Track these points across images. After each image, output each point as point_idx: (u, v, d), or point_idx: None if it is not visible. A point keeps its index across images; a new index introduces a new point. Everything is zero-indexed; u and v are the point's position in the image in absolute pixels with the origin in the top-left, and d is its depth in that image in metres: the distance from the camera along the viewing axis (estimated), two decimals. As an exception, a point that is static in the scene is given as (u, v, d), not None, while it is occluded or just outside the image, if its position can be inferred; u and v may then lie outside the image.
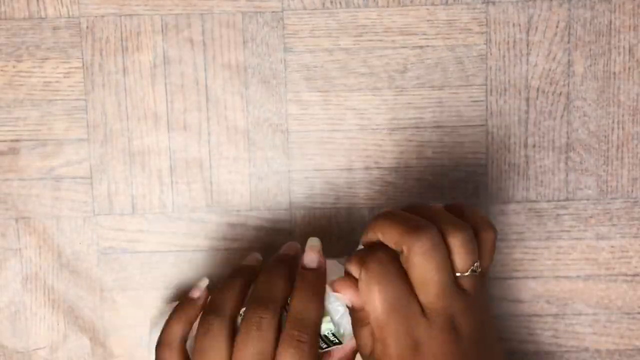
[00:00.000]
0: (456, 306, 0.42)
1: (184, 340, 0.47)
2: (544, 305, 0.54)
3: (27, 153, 0.53)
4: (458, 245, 0.43)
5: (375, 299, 0.42)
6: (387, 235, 0.43)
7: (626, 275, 0.54)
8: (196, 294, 0.48)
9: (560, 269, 0.54)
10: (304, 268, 0.46)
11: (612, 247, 0.53)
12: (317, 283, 0.46)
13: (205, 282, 0.49)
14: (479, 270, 0.43)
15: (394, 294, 0.42)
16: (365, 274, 0.42)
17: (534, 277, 0.54)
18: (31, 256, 0.54)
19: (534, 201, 0.53)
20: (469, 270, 0.43)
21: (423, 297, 0.42)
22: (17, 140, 0.53)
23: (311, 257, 0.47)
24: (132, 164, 0.53)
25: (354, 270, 0.44)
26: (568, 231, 0.53)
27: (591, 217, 0.53)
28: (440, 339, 0.41)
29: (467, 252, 0.43)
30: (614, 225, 0.53)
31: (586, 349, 0.54)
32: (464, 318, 0.42)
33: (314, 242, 0.47)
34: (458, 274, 0.43)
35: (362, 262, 0.43)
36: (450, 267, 0.42)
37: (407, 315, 0.42)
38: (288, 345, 0.44)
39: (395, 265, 0.42)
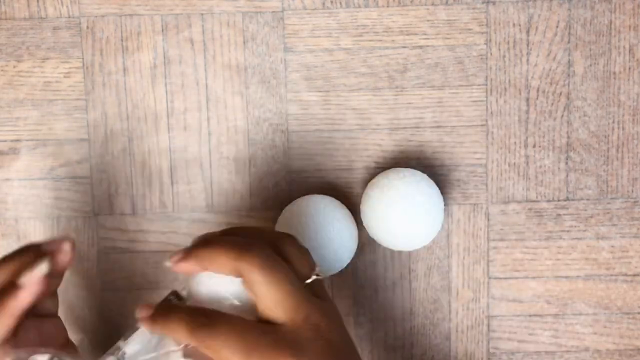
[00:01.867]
0: (316, 314, 0.41)
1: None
2: (544, 305, 0.54)
3: (27, 153, 0.53)
4: (295, 253, 0.42)
5: (223, 348, 0.40)
6: (218, 264, 0.41)
7: (626, 275, 0.54)
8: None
9: (560, 269, 0.54)
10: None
11: (612, 247, 0.53)
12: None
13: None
14: (321, 274, 0.43)
15: (243, 330, 0.40)
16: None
17: (534, 277, 0.54)
18: (31, 256, 0.54)
19: (534, 201, 0.53)
20: (313, 275, 0.42)
21: (279, 315, 0.40)
22: (17, 140, 0.53)
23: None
24: (132, 164, 0.53)
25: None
26: (568, 231, 0.53)
27: (591, 217, 0.53)
28: (315, 350, 0.40)
29: (305, 257, 0.42)
30: (614, 225, 0.53)
31: (586, 349, 0.54)
32: (327, 324, 0.41)
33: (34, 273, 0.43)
34: (306, 282, 0.42)
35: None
36: (294, 277, 0.41)
37: (263, 349, 0.39)
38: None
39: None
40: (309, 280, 0.42)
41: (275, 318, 0.41)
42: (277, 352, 0.39)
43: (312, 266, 0.43)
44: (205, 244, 0.42)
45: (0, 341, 0.42)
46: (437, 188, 0.50)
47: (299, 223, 0.49)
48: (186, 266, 0.42)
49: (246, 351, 0.39)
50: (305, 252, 0.43)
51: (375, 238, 0.51)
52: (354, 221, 0.51)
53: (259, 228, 0.44)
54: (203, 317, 0.41)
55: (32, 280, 0.42)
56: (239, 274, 0.41)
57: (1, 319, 0.42)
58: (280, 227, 0.51)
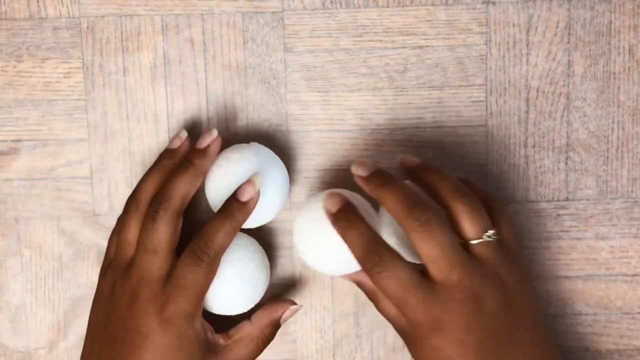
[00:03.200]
0: (474, 276, 0.42)
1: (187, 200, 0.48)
2: (544, 305, 0.54)
3: (27, 153, 0.53)
4: (463, 211, 0.43)
5: (387, 284, 0.43)
6: (388, 208, 0.44)
7: (626, 275, 0.54)
8: (176, 143, 0.50)
9: (560, 269, 0.54)
10: (235, 198, 0.47)
11: (612, 247, 0.53)
12: (239, 216, 0.47)
13: (185, 133, 0.50)
14: (495, 237, 0.43)
15: (404, 275, 0.42)
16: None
17: (534, 277, 0.54)
18: (31, 256, 0.54)
19: (534, 201, 0.53)
20: (483, 237, 0.42)
21: (435, 274, 0.42)
22: (17, 140, 0.53)
23: (246, 191, 0.47)
24: (132, 164, 0.53)
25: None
26: (568, 231, 0.53)
27: (591, 217, 0.53)
28: (460, 312, 0.41)
29: (475, 217, 0.43)
30: (614, 225, 0.53)
31: (586, 349, 0.54)
32: (485, 288, 0.42)
33: (254, 177, 0.47)
34: (471, 242, 0.42)
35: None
36: (456, 238, 0.42)
37: (420, 296, 0.42)
38: (187, 257, 0.46)
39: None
40: (472, 241, 0.42)
41: (431, 274, 0.42)
42: (425, 308, 0.42)
43: (483, 227, 0.43)
44: (387, 185, 0.45)
45: (226, 248, 0.47)
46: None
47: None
48: (363, 185, 0.46)
49: (401, 293, 0.42)
50: (478, 213, 0.44)
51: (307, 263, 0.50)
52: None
53: (445, 177, 0.46)
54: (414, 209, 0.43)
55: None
56: (401, 224, 0.43)
57: (233, 229, 0.47)
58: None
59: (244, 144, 0.50)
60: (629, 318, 0.54)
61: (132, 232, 0.48)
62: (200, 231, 0.47)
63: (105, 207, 0.53)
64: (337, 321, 0.54)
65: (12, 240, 0.54)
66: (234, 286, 0.48)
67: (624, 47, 0.52)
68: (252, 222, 0.49)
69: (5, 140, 0.53)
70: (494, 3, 0.52)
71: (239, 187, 0.47)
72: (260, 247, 0.51)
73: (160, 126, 0.53)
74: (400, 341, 0.54)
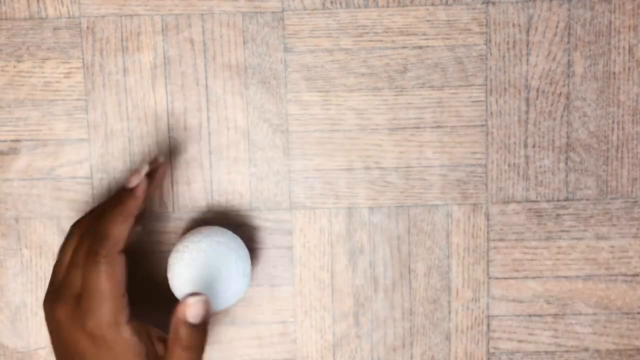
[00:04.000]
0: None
1: (124, 239, 0.46)
2: (544, 305, 0.54)
3: (27, 153, 0.53)
4: None
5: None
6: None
7: (626, 275, 0.54)
8: (134, 181, 0.47)
9: (560, 269, 0.54)
10: (123, 187, 0.47)
11: (612, 247, 0.53)
12: (129, 203, 0.47)
13: (145, 169, 0.47)
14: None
15: None
16: None
17: (534, 277, 0.54)
18: (31, 256, 0.54)
19: (534, 201, 0.53)
20: None
21: None
22: (17, 140, 0.53)
23: (133, 179, 0.47)
24: (132, 164, 0.53)
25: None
26: (568, 231, 0.53)
27: (591, 217, 0.53)
28: None
29: None
30: (614, 225, 0.53)
31: (586, 349, 0.54)
32: None
33: (140, 166, 0.47)
34: None
35: None
36: None
37: None
38: (87, 260, 0.45)
39: None
40: None
41: None
42: None
43: None
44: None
45: (123, 241, 0.46)
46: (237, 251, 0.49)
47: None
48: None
49: None
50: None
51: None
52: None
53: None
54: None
55: (141, 176, 0.47)
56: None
57: (126, 218, 0.46)
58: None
59: (206, 229, 0.49)
60: (629, 318, 0.54)
61: (68, 256, 0.47)
62: (93, 227, 0.46)
63: (105, 207, 0.53)
64: (337, 321, 0.54)
65: (12, 240, 0.54)
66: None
67: (624, 47, 0.52)
68: (216, 306, 0.48)
69: (5, 140, 0.53)
70: (494, 3, 0.52)
71: (129, 176, 0.47)
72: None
73: (160, 126, 0.53)
74: (400, 341, 0.54)
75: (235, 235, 0.50)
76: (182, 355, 0.44)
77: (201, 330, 0.44)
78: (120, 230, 0.45)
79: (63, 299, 0.45)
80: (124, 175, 0.53)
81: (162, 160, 0.50)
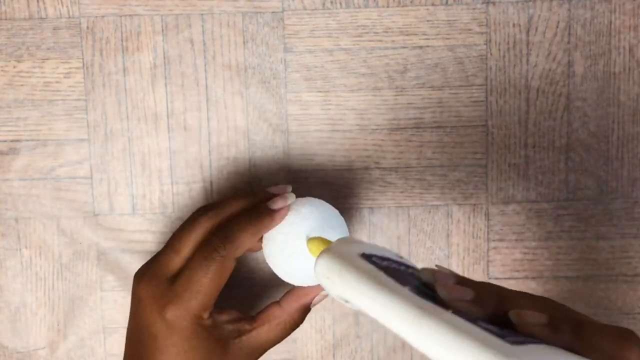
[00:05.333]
0: None
1: (244, 250, 0.46)
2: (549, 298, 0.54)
3: (27, 153, 0.53)
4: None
5: None
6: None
7: (626, 275, 0.54)
8: (279, 205, 0.47)
9: (560, 269, 0.54)
10: (266, 205, 0.47)
11: (612, 247, 0.53)
12: (266, 220, 0.46)
13: (292, 198, 0.48)
14: None
15: None
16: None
17: (533, 278, 0.54)
18: (31, 256, 0.54)
19: (534, 201, 0.53)
20: None
21: None
22: (17, 140, 0.53)
23: (277, 201, 0.47)
24: (132, 164, 0.53)
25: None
26: (568, 231, 0.53)
27: (591, 217, 0.53)
28: None
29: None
30: (614, 225, 0.53)
31: (586, 349, 0.54)
32: None
33: (288, 193, 0.48)
34: None
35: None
36: None
37: None
38: (202, 251, 0.45)
39: None
40: None
41: None
42: None
43: None
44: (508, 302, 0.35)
45: (243, 250, 0.46)
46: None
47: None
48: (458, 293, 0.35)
49: None
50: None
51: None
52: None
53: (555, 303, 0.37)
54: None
55: (286, 203, 0.47)
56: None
57: (256, 232, 0.46)
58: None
59: (306, 200, 0.48)
60: (629, 318, 0.54)
61: (187, 246, 0.47)
62: (223, 225, 0.46)
63: (105, 207, 0.53)
64: (337, 321, 0.54)
65: (12, 240, 0.54)
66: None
67: (624, 47, 0.52)
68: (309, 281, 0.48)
69: (5, 140, 0.53)
70: (494, 3, 0.52)
71: (275, 197, 0.47)
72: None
73: (160, 126, 0.53)
74: (400, 341, 0.54)
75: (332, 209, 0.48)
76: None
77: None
78: (247, 240, 0.45)
79: (154, 278, 0.45)
80: (124, 175, 0.53)
81: (289, 191, 0.49)
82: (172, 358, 0.45)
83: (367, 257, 0.37)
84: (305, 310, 0.49)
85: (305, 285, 0.48)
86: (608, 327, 0.34)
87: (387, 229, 0.54)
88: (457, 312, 0.33)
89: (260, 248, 0.49)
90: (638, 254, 0.54)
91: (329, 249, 0.38)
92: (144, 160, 0.53)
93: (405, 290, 0.34)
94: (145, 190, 0.53)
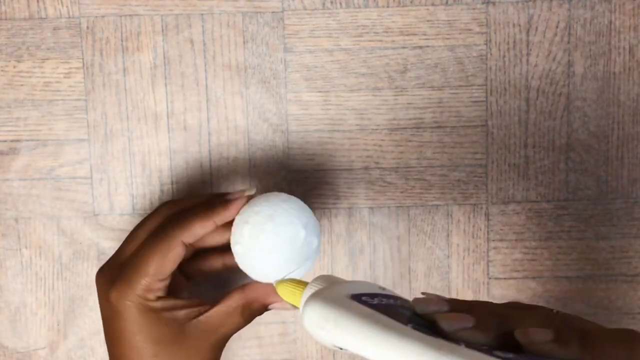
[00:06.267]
0: None
1: (197, 237, 0.45)
2: (543, 305, 0.54)
3: (27, 153, 0.53)
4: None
5: None
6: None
7: (626, 275, 0.54)
8: (235, 196, 0.46)
9: (560, 269, 0.54)
10: (222, 195, 0.47)
11: (612, 247, 0.53)
12: (219, 209, 0.45)
13: (251, 193, 0.47)
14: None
15: None
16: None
17: (533, 278, 0.54)
18: (31, 256, 0.54)
19: (534, 201, 0.53)
20: None
21: None
22: (17, 140, 0.53)
23: (234, 194, 0.46)
24: (132, 164, 0.53)
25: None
26: (568, 231, 0.53)
27: (591, 217, 0.53)
28: None
29: None
30: (614, 225, 0.53)
31: (586, 349, 0.54)
32: None
33: (248, 191, 0.47)
34: None
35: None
36: None
37: None
38: (155, 230, 0.46)
39: None
40: None
41: None
42: None
43: None
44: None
45: (195, 238, 0.45)
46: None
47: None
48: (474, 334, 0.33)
49: None
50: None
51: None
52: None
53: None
54: None
55: (241, 196, 0.46)
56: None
57: (208, 219, 0.45)
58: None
59: (269, 196, 0.47)
60: (629, 318, 0.54)
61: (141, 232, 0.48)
62: (178, 212, 0.46)
63: (105, 207, 0.53)
64: (337, 321, 0.54)
65: (12, 240, 0.54)
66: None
67: (624, 47, 0.52)
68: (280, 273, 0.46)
69: (5, 140, 0.53)
70: (494, 3, 0.52)
71: (233, 192, 0.47)
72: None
73: (160, 126, 0.53)
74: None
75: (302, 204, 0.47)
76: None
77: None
78: (198, 225, 0.45)
79: (107, 265, 0.46)
80: (124, 175, 0.53)
81: (250, 194, 0.47)
82: (124, 342, 0.44)
83: (358, 298, 0.34)
84: (264, 308, 0.47)
85: (262, 281, 0.46)
86: (614, 332, 0.33)
87: (387, 229, 0.54)
88: (469, 344, 0.32)
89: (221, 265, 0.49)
90: (638, 254, 0.53)
91: (316, 295, 0.35)
92: (144, 160, 0.53)
93: (409, 329, 0.32)
94: (145, 190, 0.53)
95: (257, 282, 0.46)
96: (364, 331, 0.32)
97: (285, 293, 0.41)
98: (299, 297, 0.39)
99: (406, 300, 0.36)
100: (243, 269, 0.46)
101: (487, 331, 0.33)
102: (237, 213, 0.46)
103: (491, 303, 0.35)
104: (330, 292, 0.35)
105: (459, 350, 0.31)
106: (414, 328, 0.32)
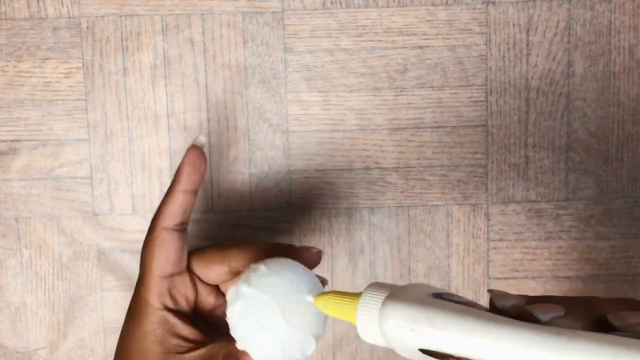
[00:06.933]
0: None
1: (182, 213, 0.43)
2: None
3: (27, 153, 0.53)
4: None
5: None
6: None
7: (626, 275, 0.54)
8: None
9: (560, 269, 0.54)
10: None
11: (612, 247, 0.53)
12: (183, 165, 0.43)
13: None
14: None
15: None
16: None
17: (533, 278, 0.54)
18: (31, 256, 0.54)
19: (534, 201, 0.53)
20: None
21: None
22: (17, 140, 0.53)
23: (196, 140, 0.44)
24: (132, 164, 0.53)
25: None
26: (568, 231, 0.53)
27: (591, 217, 0.53)
28: None
29: None
30: (614, 225, 0.53)
31: (586, 349, 0.54)
32: None
33: (198, 140, 0.44)
34: None
35: None
36: None
37: None
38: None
39: None
40: None
41: None
42: None
43: None
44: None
45: (180, 215, 0.43)
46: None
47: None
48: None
49: None
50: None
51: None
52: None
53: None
54: None
55: (200, 143, 0.43)
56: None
57: (182, 189, 0.43)
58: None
59: (264, 264, 0.40)
60: (629, 318, 0.54)
61: None
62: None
63: (105, 207, 0.53)
64: (337, 321, 0.54)
65: (12, 240, 0.54)
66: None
67: (624, 47, 0.52)
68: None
69: (5, 140, 0.53)
70: (494, 3, 0.52)
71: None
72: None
73: (160, 126, 0.53)
74: (400, 341, 0.54)
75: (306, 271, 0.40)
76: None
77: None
78: (176, 203, 0.43)
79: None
80: (124, 175, 0.53)
81: (202, 142, 0.44)
82: (133, 345, 0.43)
83: (440, 297, 0.32)
84: None
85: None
86: None
87: (387, 229, 0.54)
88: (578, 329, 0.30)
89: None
90: (638, 254, 0.53)
91: (394, 296, 0.32)
92: (144, 160, 0.53)
93: (514, 320, 0.29)
94: (145, 190, 0.53)
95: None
96: (469, 326, 0.29)
97: (330, 307, 0.37)
98: (350, 309, 0.36)
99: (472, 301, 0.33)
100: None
101: (579, 318, 0.32)
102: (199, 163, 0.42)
103: (577, 296, 0.35)
104: (407, 293, 0.32)
105: (576, 333, 0.28)
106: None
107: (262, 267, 0.39)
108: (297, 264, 0.40)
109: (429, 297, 0.31)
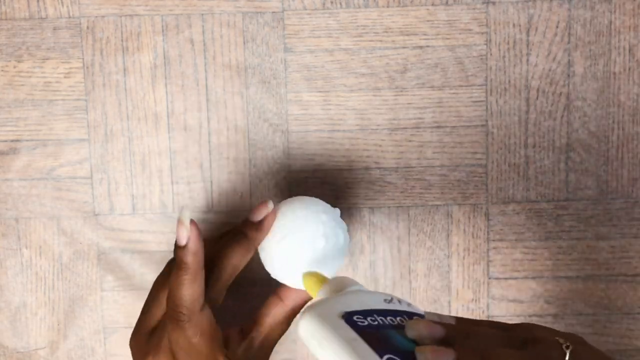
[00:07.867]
0: None
1: (200, 296, 0.44)
2: (544, 305, 0.54)
3: (27, 153, 0.53)
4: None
5: None
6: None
7: (626, 275, 0.54)
8: (183, 239, 0.43)
9: (560, 269, 0.54)
10: (177, 246, 0.44)
11: (612, 247, 0.53)
12: (189, 262, 0.43)
13: (187, 215, 0.44)
14: None
15: None
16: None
17: (533, 278, 0.54)
18: (31, 256, 0.54)
19: (534, 201, 0.53)
20: None
21: None
22: (17, 140, 0.53)
23: (180, 233, 0.43)
24: (132, 164, 0.53)
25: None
26: (568, 231, 0.53)
27: (591, 217, 0.53)
28: None
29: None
30: (614, 225, 0.53)
31: (586, 349, 0.54)
32: None
33: (181, 215, 0.44)
34: None
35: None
36: None
37: None
38: (169, 322, 0.44)
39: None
40: None
41: None
42: None
43: None
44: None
45: (200, 299, 0.44)
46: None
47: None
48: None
49: None
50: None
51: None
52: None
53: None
54: None
55: (187, 228, 0.43)
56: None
57: (193, 278, 0.43)
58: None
59: (298, 199, 0.48)
60: (629, 318, 0.54)
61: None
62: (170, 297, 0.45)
63: (105, 207, 0.53)
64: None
65: (12, 240, 0.54)
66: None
67: (624, 47, 0.52)
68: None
69: (5, 140, 0.53)
70: (494, 3, 0.52)
71: (177, 234, 0.44)
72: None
73: (160, 126, 0.53)
74: (400, 341, 0.54)
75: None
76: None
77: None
78: (190, 291, 0.43)
79: (137, 330, 0.47)
80: (124, 175, 0.53)
81: (271, 207, 0.47)
82: None
83: (349, 318, 0.37)
84: (307, 302, 0.49)
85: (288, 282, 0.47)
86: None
87: (387, 229, 0.54)
88: None
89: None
90: (638, 254, 0.54)
91: (311, 309, 0.37)
92: (144, 160, 0.53)
93: None
94: (145, 190, 0.53)
95: (285, 287, 0.48)
96: (338, 357, 0.35)
97: (309, 285, 0.44)
98: (316, 294, 0.43)
99: (414, 314, 0.38)
100: (268, 269, 0.48)
101: None
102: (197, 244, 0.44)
103: (496, 332, 0.37)
104: (325, 307, 0.38)
105: None
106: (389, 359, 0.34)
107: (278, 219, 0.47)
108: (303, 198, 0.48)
109: (336, 318, 0.37)
